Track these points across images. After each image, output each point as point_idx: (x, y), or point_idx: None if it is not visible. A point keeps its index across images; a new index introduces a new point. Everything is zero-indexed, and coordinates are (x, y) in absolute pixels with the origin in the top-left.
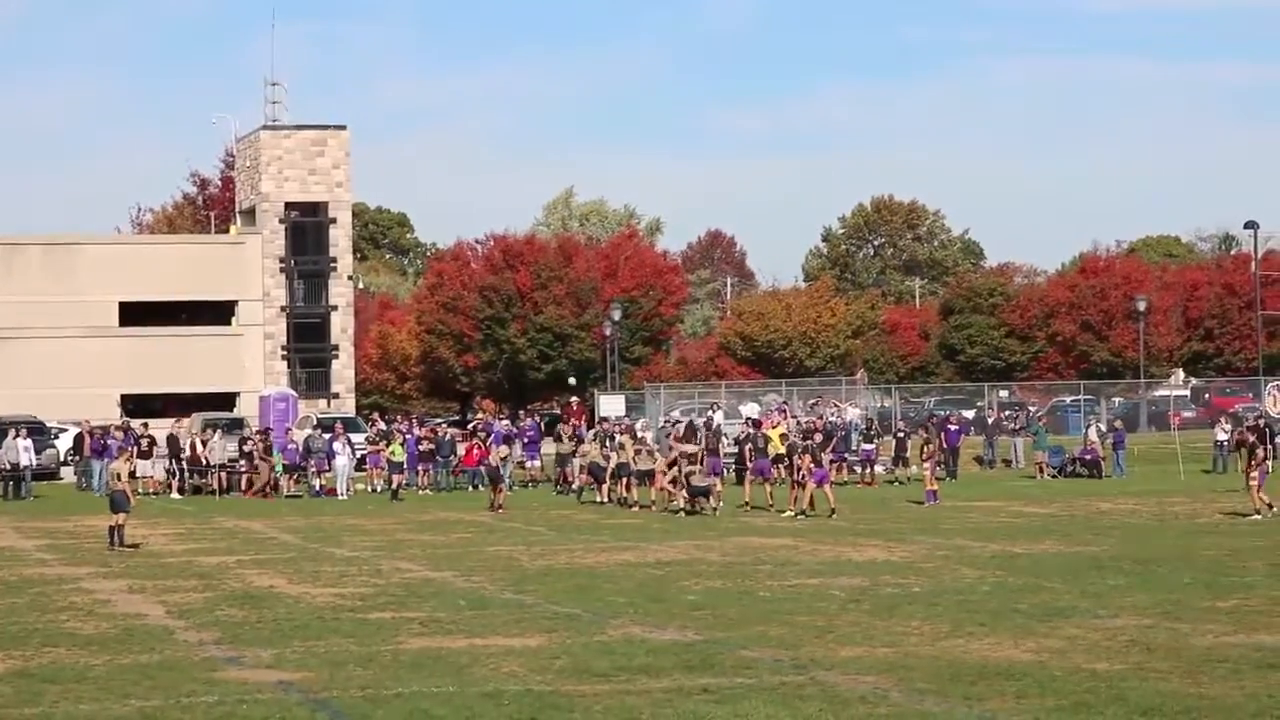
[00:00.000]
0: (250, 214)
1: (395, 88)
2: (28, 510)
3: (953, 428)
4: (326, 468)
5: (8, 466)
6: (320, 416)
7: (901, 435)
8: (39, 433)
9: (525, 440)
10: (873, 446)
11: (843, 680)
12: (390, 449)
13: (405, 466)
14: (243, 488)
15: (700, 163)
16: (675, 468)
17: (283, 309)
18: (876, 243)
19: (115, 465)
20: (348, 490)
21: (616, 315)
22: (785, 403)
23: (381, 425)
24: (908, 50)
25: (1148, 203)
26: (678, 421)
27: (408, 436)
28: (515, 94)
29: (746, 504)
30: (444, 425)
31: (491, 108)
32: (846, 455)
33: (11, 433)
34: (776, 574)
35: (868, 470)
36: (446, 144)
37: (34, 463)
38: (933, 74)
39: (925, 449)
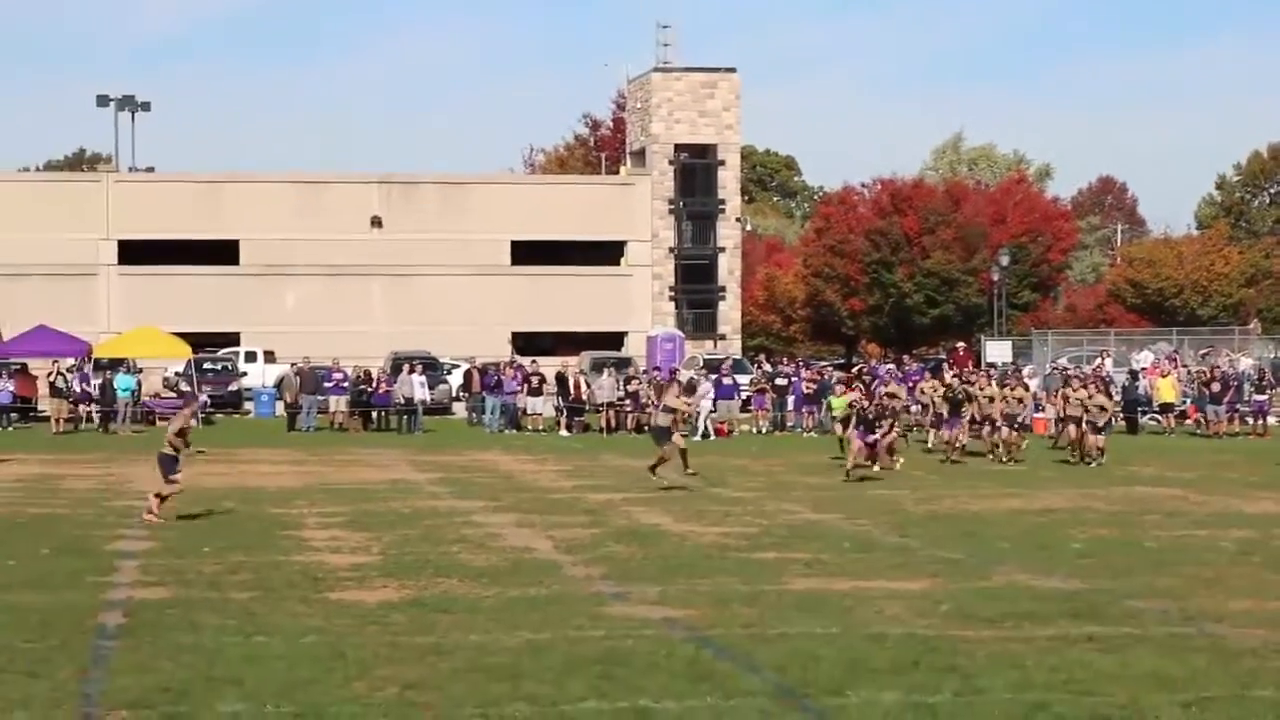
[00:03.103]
0: (640, 155)
1: (784, 30)
2: (420, 444)
3: None
4: (712, 409)
5: (402, 401)
6: (706, 357)
7: None
8: (432, 368)
9: (910, 384)
10: (1265, 398)
11: (1231, 633)
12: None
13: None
14: (629, 426)
15: (1090, 109)
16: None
17: (671, 250)
18: (1273, 190)
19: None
20: (707, 431)
21: (1005, 260)
22: (1176, 351)
23: (767, 367)
24: None
25: None
26: (1066, 369)
27: (793, 379)
28: (903, 38)
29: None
30: (829, 368)
31: (879, 51)
32: (1239, 406)
33: (406, 368)
34: (1164, 524)
35: (1260, 421)
36: (834, 87)
37: (428, 398)
38: None
39: None
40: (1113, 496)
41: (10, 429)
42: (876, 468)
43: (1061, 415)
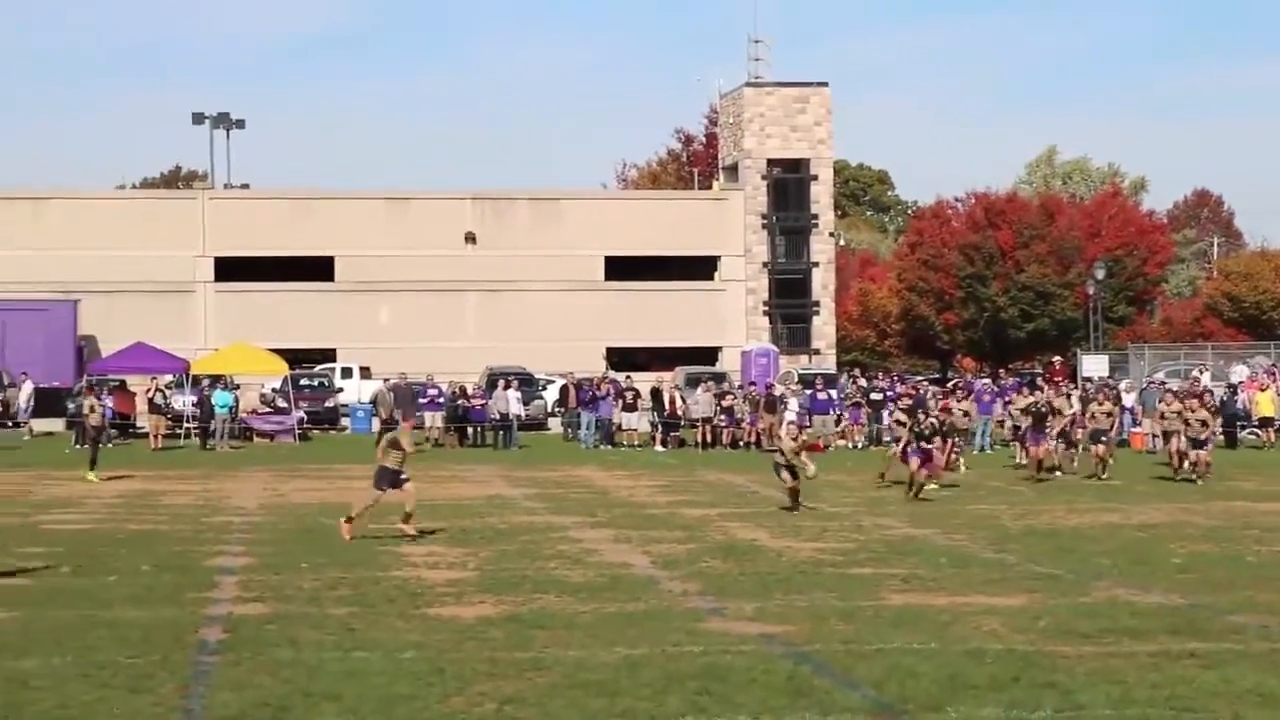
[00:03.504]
0: (733, 170)
1: (876, 43)
2: (516, 459)
3: None
4: (808, 423)
5: (497, 416)
6: (801, 372)
7: None
8: (528, 384)
9: (1005, 400)
10: None
11: None
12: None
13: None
14: (725, 442)
15: (1186, 121)
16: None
17: (764, 265)
18: None
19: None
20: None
21: (1100, 274)
22: (1274, 365)
23: (862, 382)
24: None
25: None
26: (1164, 383)
27: (888, 394)
28: (995, 50)
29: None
30: (924, 383)
31: (972, 65)
32: None
33: (501, 383)
34: (1264, 539)
35: None
36: (927, 101)
37: (523, 413)
38: None
39: None
40: (1212, 511)
41: (110, 445)
42: (933, 485)
43: (1161, 431)
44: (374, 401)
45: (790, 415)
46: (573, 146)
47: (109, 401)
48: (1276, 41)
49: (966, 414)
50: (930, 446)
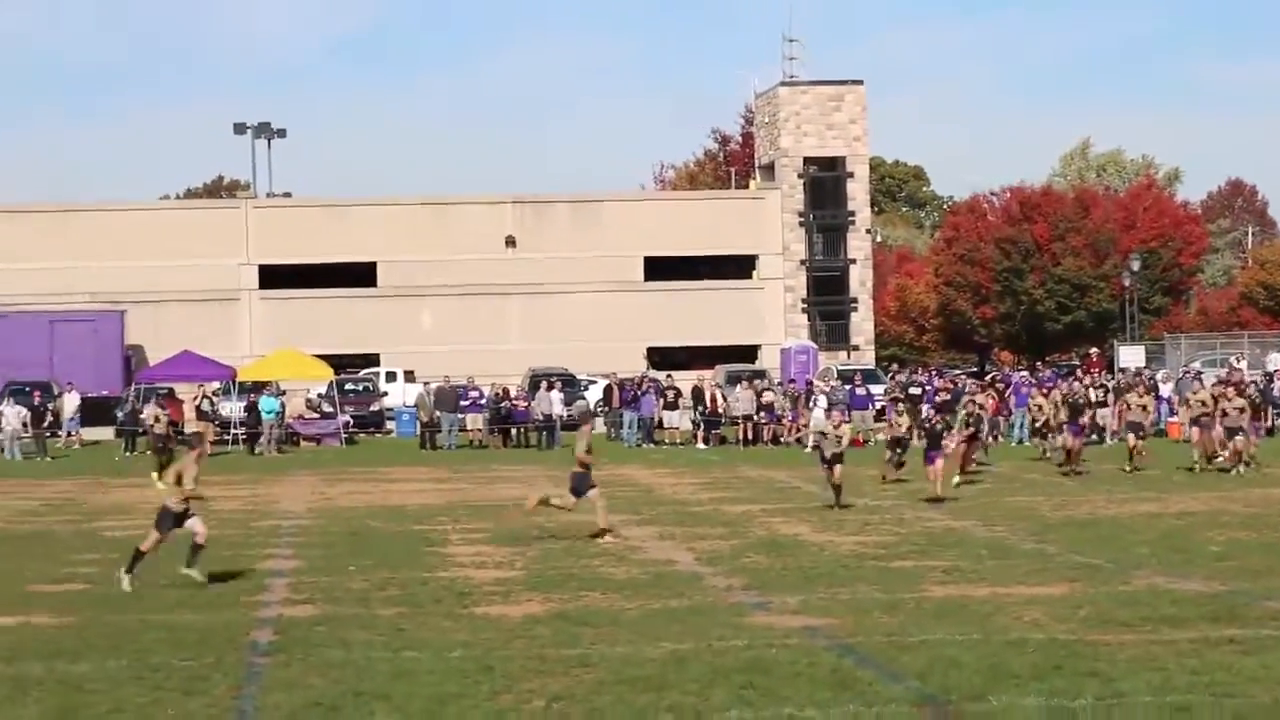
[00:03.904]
0: (769, 169)
1: (909, 39)
2: (559, 459)
3: None
4: (848, 418)
5: (541, 417)
6: (840, 368)
7: None
8: (570, 384)
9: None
10: None
11: None
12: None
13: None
14: (766, 438)
15: (1218, 114)
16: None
17: (802, 262)
18: None
19: None
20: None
21: (1135, 266)
22: None
23: (901, 377)
24: None
25: None
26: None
27: (926, 388)
28: (1028, 43)
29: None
30: (962, 376)
31: (1005, 58)
32: None
33: (544, 385)
34: None
35: None
36: (960, 96)
37: (565, 414)
38: None
39: None
40: (1250, 499)
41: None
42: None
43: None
44: (417, 405)
45: (819, 411)
46: (611, 148)
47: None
48: None
49: (982, 407)
50: (935, 451)
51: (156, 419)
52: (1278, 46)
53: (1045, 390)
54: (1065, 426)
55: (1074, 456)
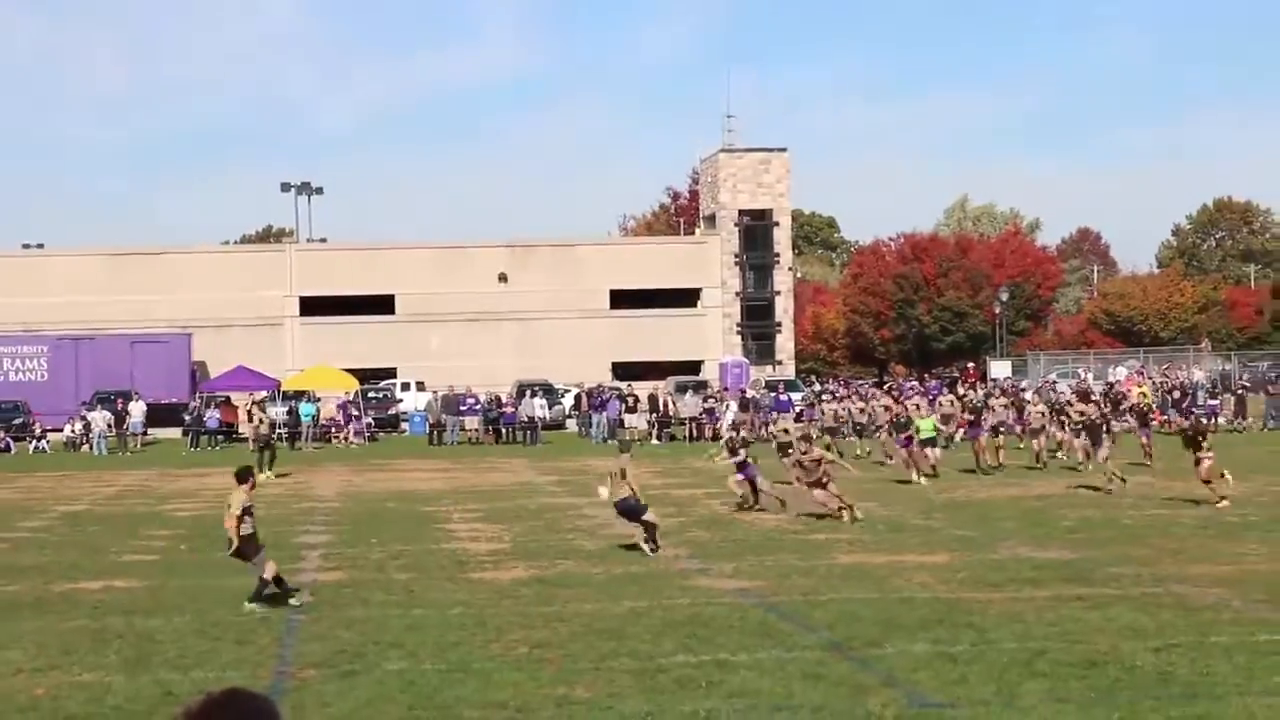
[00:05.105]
0: (711, 219)
1: (824, 116)
2: (540, 454)
3: None
4: (775, 419)
5: (526, 419)
6: (767, 379)
7: (1240, 393)
8: (550, 392)
9: (930, 397)
10: (1216, 402)
11: (1192, 592)
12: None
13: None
14: (707, 436)
15: (1071, 174)
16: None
17: (737, 294)
18: (1218, 235)
19: None
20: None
21: (1004, 296)
22: (1143, 367)
23: (816, 386)
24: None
25: None
26: (1055, 382)
27: (835, 394)
28: (919, 120)
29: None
30: (866, 386)
31: (901, 131)
32: (1194, 409)
33: (529, 393)
34: (1137, 505)
35: (1213, 421)
36: (865, 161)
37: (546, 416)
38: None
39: None
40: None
41: (218, 449)
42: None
43: (1039, 425)
44: (426, 409)
45: (729, 415)
46: (585, 203)
47: (217, 414)
48: (1144, 111)
49: (885, 409)
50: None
51: (261, 421)
52: (1116, 122)
53: (930, 398)
54: (969, 430)
55: (981, 454)
